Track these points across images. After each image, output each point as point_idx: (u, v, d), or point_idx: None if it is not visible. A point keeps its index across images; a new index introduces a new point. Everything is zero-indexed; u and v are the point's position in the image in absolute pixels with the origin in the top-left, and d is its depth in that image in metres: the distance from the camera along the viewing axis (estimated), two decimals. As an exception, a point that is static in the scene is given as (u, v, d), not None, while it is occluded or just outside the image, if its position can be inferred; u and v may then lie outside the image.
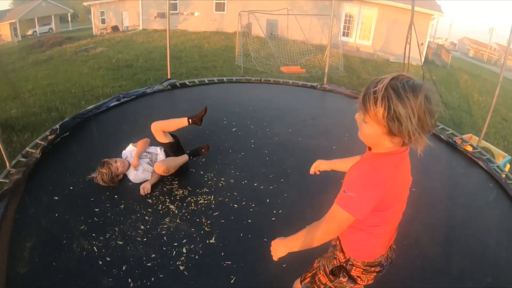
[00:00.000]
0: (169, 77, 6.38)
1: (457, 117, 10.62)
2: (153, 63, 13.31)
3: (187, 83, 6.17)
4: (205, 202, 3.28)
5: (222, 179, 3.63)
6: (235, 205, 3.26)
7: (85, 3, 32.71)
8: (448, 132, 5.35)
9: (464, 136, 5.53)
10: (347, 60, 15.24)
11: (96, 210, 3.06)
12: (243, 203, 3.29)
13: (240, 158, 4.06)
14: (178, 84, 6.06)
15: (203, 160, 3.96)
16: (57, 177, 3.52)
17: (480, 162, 4.31)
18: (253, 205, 3.27)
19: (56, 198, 3.20)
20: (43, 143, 4.07)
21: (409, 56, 5.52)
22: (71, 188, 3.35)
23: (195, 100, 5.51)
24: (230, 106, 5.29)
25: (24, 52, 21.57)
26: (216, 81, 6.64)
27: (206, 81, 6.42)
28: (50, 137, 4.14)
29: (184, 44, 17.17)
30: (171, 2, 22.35)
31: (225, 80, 6.74)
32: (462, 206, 3.55)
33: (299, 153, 4.28)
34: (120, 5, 25.83)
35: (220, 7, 21.15)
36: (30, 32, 35.98)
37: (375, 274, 1.63)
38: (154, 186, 3.43)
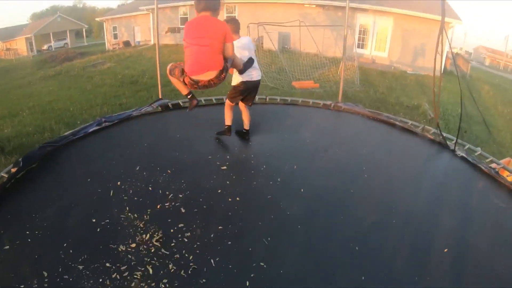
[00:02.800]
0: (160, 97, 5.69)
1: (483, 133, 9.74)
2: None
3: (181, 104, 5.45)
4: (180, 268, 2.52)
5: (200, 231, 2.85)
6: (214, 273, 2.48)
7: (98, 19, 32.99)
8: (487, 160, 4.50)
9: (503, 161, 4.74)
10: (363, 73, 14.48)
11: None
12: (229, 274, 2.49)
13: (228, 207, 3.16)
14: (170, 105, 5.37)
15: (184, 208, 3.13)
16: (12, 223, 2.87)
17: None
18: (241, 275, 2.48)
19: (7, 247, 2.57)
20: (6, 176, 3.49)
21: (436, 67, 4.49)
22: (29, 239, 2.68)
23: (189, 124, 4.81)
24: (225, 136, 4.42)
25: (36, 67, 21.62)
26: (214, 101, 5.81)
27: (203, 102, 5.64)
28: (13, 170, 3.53)
29: (194, 59, 16.66)
30: (182, 17, 22.06)
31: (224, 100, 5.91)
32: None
33: (305, 200, 3.38)
34: (132, 20, 25.72)
35: (230, 20, 20.65)
36: (45, 47, 36.78)
37: None
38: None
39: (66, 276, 2.36)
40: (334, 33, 17.07)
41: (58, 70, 17.65)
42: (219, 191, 3.39)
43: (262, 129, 4.86)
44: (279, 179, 3.64)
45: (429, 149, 4.77)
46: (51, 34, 37.16)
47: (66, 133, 4.43)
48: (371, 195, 3.53)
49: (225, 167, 3.81)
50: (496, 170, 4.11)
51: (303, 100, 6.11)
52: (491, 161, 4.48)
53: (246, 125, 4.46)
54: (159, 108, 5.26)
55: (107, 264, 2.45)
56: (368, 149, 4.58)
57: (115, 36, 27.79)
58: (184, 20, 21.99)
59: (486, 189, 3.82)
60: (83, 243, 2.65)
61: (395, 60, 17.63)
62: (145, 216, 2.95)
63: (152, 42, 23.72)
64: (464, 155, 4.43)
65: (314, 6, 17.46)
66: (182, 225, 2.88)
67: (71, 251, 2.56)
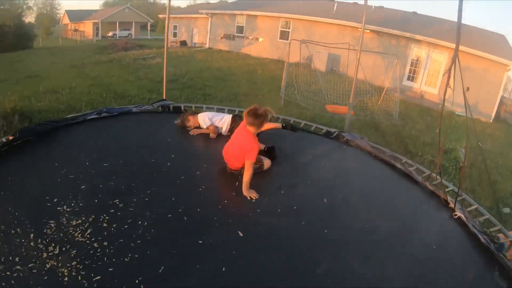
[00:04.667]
0: (164, 97, 5.81)
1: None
2: (198, 81, 13.10)
3: (182, 108, 5.44)
4: None
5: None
6: None
7: (161, 16, 34.50)
8: (494, 228, 3.43)
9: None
10: (407, 107, 13.97)
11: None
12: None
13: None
14: (171, 107, 5.41)
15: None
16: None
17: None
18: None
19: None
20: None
21: (443, 101, 4.02)
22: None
23: (176, 129, 4.63)
24: (201, 157, 3.95)
25: (96, 51, 22.86)
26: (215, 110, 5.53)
27: (204, 109, 5.37)
28: (10, 138, 3.72)
29: (239, 68, 16.90)
30: (238, 25, 22.48)
31: (226, 111, 5.38)
32: None
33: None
34: (192, 21, 26.62)
35: (284, 35, 20.77)
36: (110, 34, 39.45)
37: None
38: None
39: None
40: (385, 61, 16.61)
41: (111, 57, 18.70)
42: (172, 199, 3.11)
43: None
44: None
45: (422, 203, 3.76)
46: (117, 23, 39.54)
47: (68, 116, 4.62)
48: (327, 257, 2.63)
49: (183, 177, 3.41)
50: (502, 243, 3.12)
51: (305, 123, 5.59)
52: (499, 230, 3.40)
53: None
54: (160, 108, 5.33)
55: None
56: (345, 193, 3.63)
57: (175, 35, 28.85)
58: (240, 29, 22.42)
59: (477, 267, 2.84)
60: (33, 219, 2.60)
61: (446, 98, 16.79)
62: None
63: (207, 46, 24.35)
64: (463, 216, 3.36)
65: (368, 31, 17.11)
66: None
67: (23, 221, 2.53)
